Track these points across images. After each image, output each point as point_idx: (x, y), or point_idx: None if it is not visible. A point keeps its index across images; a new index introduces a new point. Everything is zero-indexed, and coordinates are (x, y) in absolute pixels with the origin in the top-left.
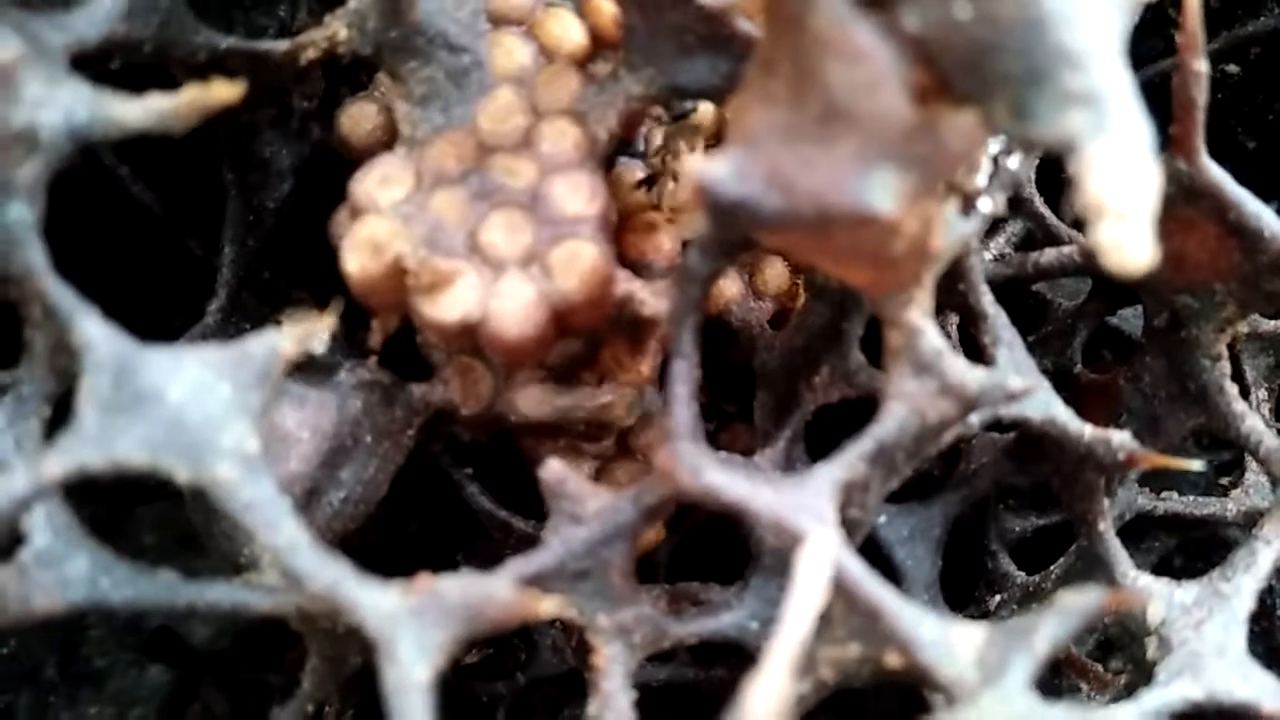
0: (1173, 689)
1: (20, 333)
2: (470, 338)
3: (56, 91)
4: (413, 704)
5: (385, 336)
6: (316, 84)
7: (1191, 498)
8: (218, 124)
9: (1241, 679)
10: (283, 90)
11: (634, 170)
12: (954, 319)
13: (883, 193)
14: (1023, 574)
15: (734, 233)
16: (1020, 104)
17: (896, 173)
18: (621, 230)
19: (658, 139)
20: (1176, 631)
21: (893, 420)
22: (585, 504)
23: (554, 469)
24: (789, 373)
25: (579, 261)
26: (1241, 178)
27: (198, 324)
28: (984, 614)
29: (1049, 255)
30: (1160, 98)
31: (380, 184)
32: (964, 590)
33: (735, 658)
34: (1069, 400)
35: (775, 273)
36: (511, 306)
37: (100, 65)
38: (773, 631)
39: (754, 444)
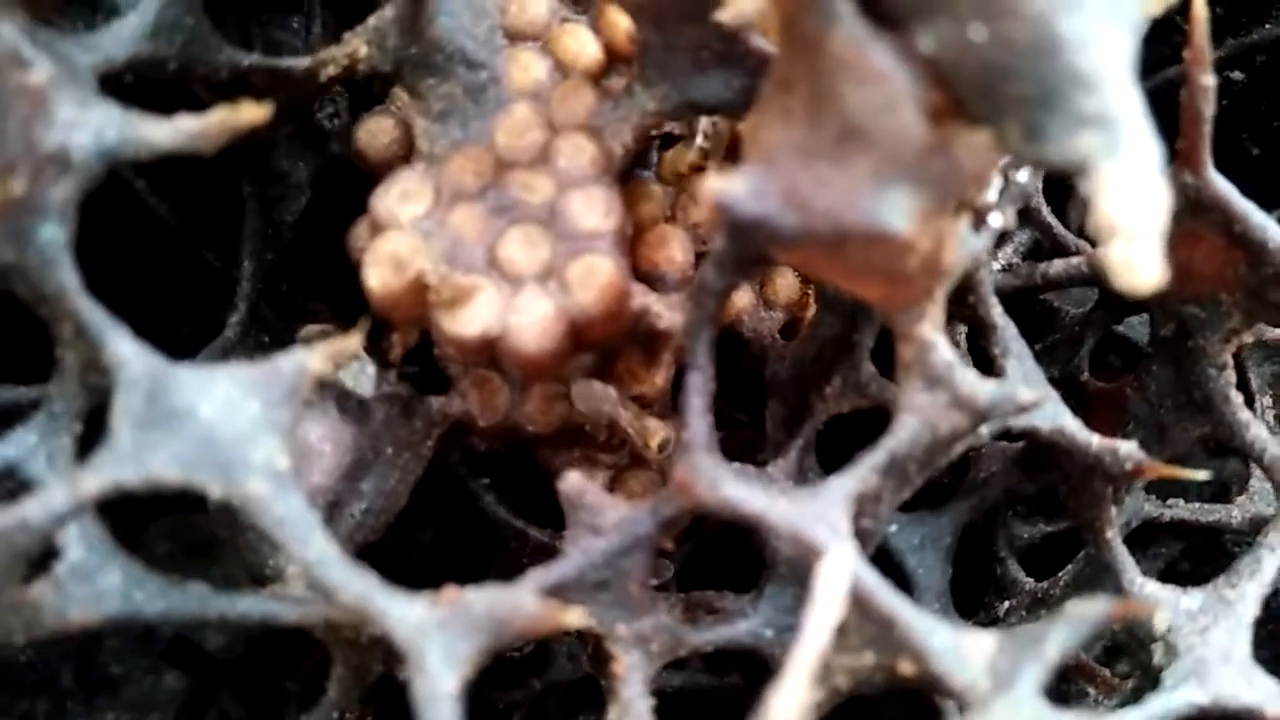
0: (1179, 694)
1: (44, 348)
2: (489, 352)
3: (87, 113)
4: (442, 714)
5: (405, 350)
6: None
7: (1197, 505)
8: (236, 140)
9: (1246, 684)
10: (304, 106)
11: (648, 184)
12: (963, 330)
13: (898, 212)
14: (1031, 580)
15: (750, 249)
16: (1033, 125)
17: (911, 192)
18: (635, 243)
19: (671, 154)
20: (1182, 637)
21: (905, 432)
22: (604, 515)
23: (573, 481)
24: (800, 383)
25: (596, 276)
26: (1246, 184)
27: (218, 337)
28: (993, 620)
29: (1057, 266)
30: (1167, 105)
31: (400, 200)
32: (973, 597)
33: (747, 665)
34: (1077, 408)
35: (786, 283)
36: (530, 321)
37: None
38: (788, 639)
39: (765, 451)
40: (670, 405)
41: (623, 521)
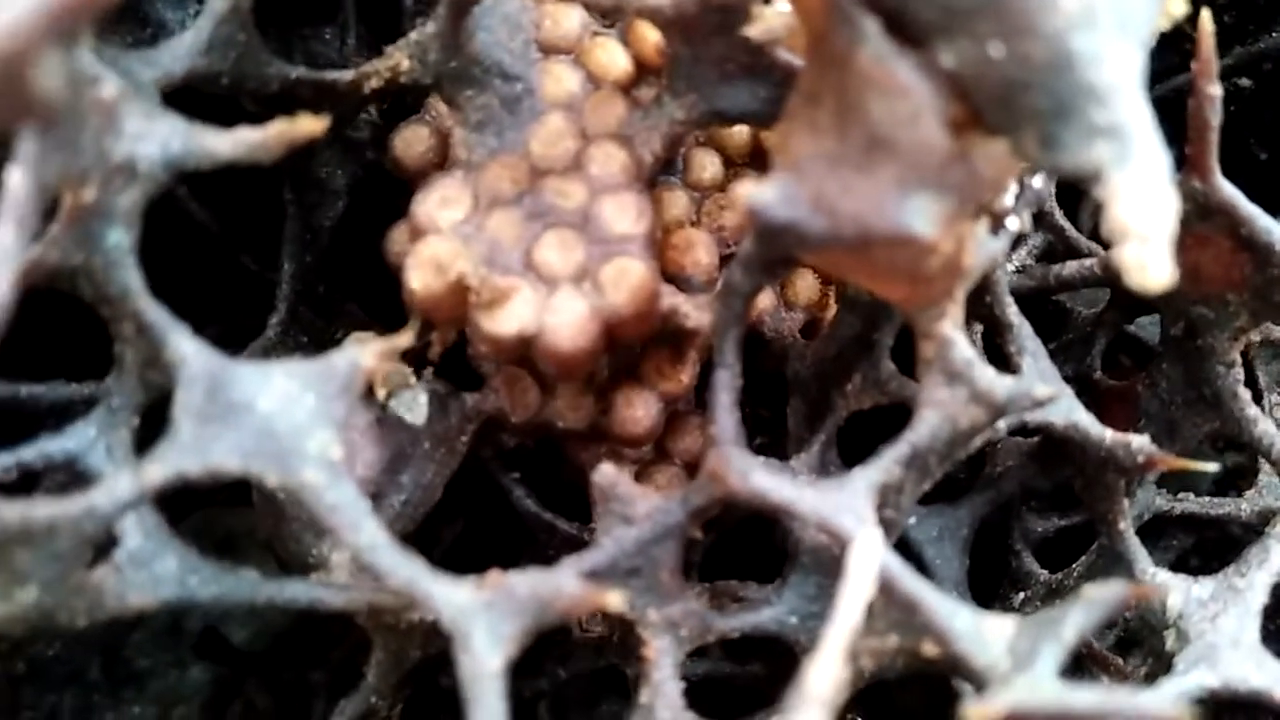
0: (1190, 677)
1: (94, 346)
2: (525, 350)
3: (153, 125)
4: (488, 691)
5: (443, 349)
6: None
7: (1207, 498)
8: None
9: (1256, 667)
10: (347, 117)
11: (675, 190)
12: (979, 329)
13: (921, 217)
14: (1045, 572)
15: (777, 252)
16: (1049, 136)
17: (934, 198)
18: (663, 246)
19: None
20: (1193, 624)
21: (926, 426)
22: (635, 505)
23: (606, 473)
24: (821, 380)
25: (628, 277)
26: (1254, 189)
27: (257, 338)
28: (1008, 611)
29: (1070, 268)
30: (1175, 112)
31: (440, 205)
32: (990, 588)
33: (768, 653)
34: (1090, 405)
35: (806, 284)
36: (565, 321)
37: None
38: (811, 626)
39: (786, 447)
40: (695, 402)
41: (654, 511)
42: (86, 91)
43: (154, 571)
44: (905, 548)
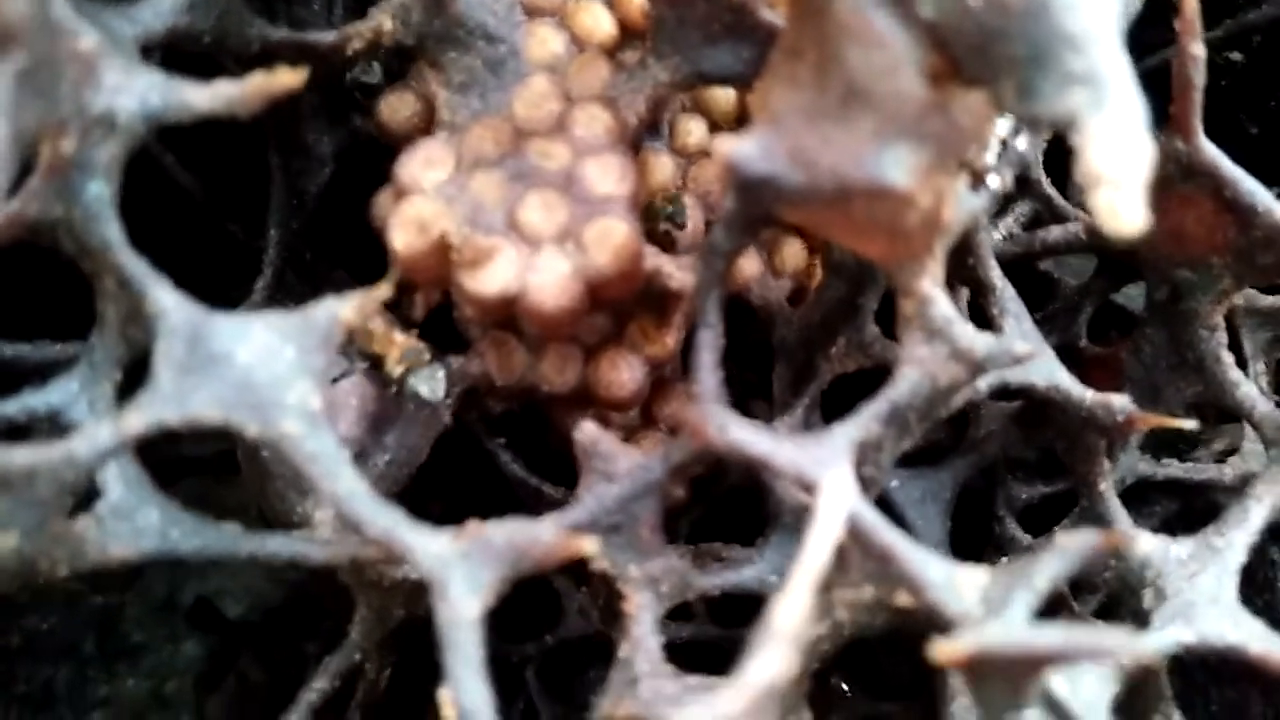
0: (1166, 633)
1: (80, 310)
2: (509, 310)
3: (132, 79)
4: (465, 638)
5: (427, 310)
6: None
7: (1191, 464)
8: (265, 113)
9: (1232, 624)
10: (331, 80)
11: (661, 155)
12: (965, 293)
13: (898, 167)
14: (1029, 537)
15: (758, 208)
16: (1026, 84)
17: (911, 149)
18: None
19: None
20: (1171, 583)
21: (905, 383)
22: (617, 462)
23: (588, 430)
24: (807, 345)
25: (611, 237)
26: (1244, 163)
27: (245, 301)
28: None
29: (1055, 232)
30: (1163, 84)
31: (424, 166)
32: (974, 554)
33: (754, 618)
34: (1075, 373)
35: (793, 252)
36: (548, 280)
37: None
38: None
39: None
40: (682, 371)
41: (635, 468)
42: (64, 42)
43: (136, 523)
44: (888, 510)
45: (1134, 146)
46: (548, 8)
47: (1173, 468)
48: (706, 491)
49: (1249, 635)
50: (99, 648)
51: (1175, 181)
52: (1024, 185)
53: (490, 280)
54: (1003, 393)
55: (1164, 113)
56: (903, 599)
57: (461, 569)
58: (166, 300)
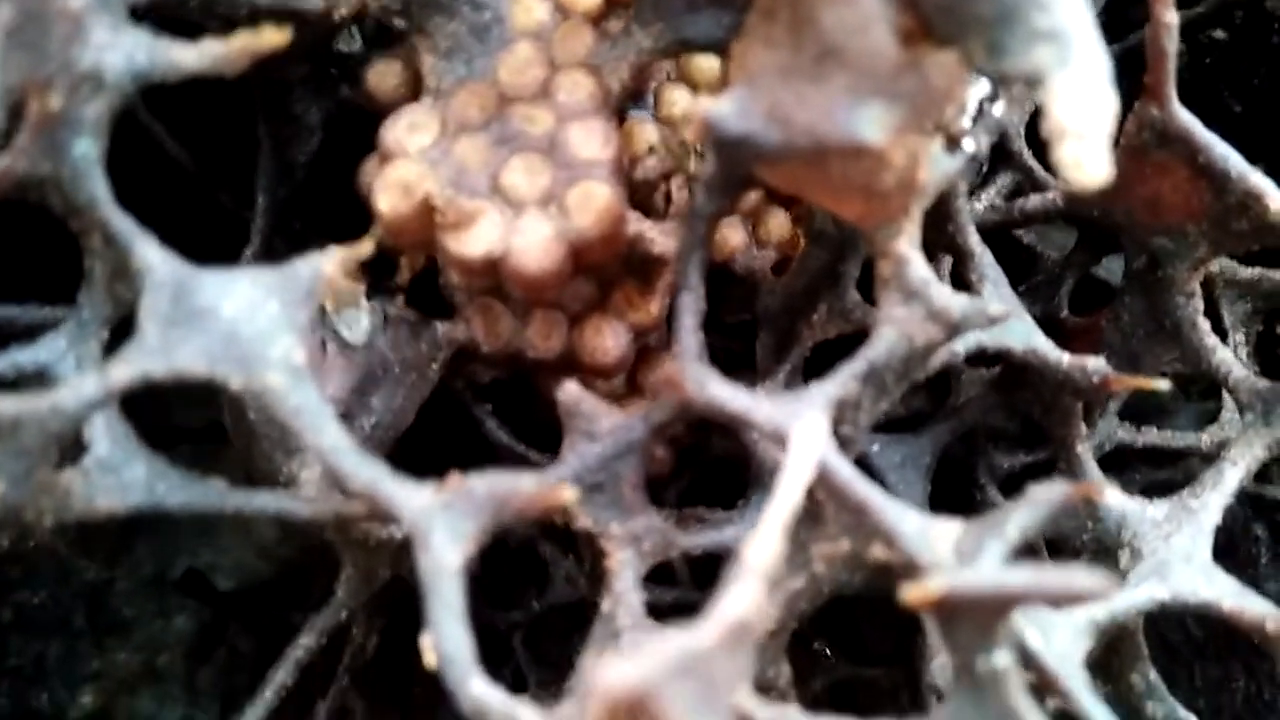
0: (1140, 590)
1: (68, 273)
2: (493, 273)
3: (119, 37)
4: (446, 585)
5: (412, 274)
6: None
7: (1169, 431)
8: (253, 81)
9: (1206, 581)
10: (318, 47)
11: (645, 123)
12: (947, 262)
13: (872, 125)
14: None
15: (737, 168)
16: (994, 42)
17: (885, 107)
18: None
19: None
20: (1147, 543)
21: (883, 343)
22: (599, 422)
23: (570, 390)
24: (790, 313)
25: (594, 201)
26: (1228, 140)
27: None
28: None
29: (1034, 200)
30: (1139, 67)
31: (409, 130)
32: None
33: None
34: (1057, 344)
35: (778, 223)
36: (531, 242)
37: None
38: None
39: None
40: (667, 339)
41: (617, 428)
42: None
43: (122, 477)
44: (869, 473)
45: (1098, 100)
46: None
47: (1151, 435)
48: (692, 460)
49: (1222, 592)
50: (90, 622)
51: (1151, 149)
52: (1006, 157)
53: (474, 243)
54: (981, 358)
55: (1135, 94)
56: (878, 551)
57: (443, 519)
58: (152, 256)
